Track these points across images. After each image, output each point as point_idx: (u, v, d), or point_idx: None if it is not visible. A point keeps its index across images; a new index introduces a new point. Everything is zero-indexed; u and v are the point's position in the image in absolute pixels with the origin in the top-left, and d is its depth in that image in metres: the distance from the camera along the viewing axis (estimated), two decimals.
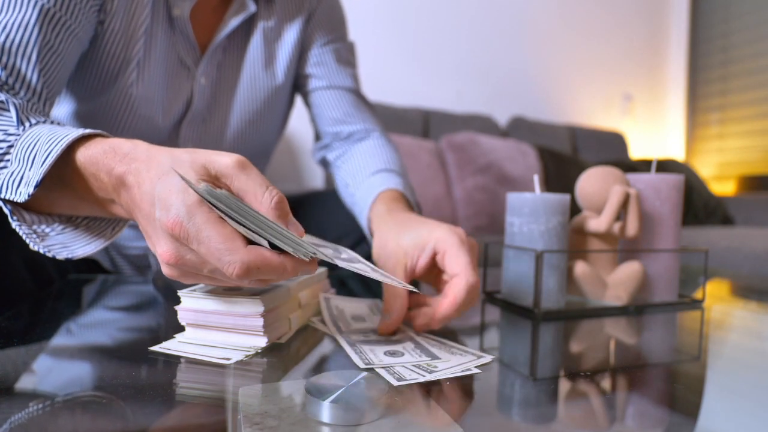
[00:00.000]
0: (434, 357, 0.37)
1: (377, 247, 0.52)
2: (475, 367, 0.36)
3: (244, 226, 0.33)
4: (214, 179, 0.36)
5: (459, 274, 0.44)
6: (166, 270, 0.36)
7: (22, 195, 0.42)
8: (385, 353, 0.38)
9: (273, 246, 0.34)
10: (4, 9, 0.53)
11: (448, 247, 0.45)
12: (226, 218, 0.33)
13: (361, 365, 0.36)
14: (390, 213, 0.59)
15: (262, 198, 0.35)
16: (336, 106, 0.81)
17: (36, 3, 0.54)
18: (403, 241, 0.48)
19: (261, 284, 0.36)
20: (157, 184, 0.35)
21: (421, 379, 0.33)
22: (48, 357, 0.39)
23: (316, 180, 2.15)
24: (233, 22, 0.71)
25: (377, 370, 0.35)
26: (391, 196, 0.66)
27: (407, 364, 0.36)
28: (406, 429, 0.27)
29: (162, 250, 0.34)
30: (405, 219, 0.53)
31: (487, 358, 0.38)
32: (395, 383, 0.32)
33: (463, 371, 0.35)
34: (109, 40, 0.63)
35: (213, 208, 0.33)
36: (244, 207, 0.34)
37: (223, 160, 0.36)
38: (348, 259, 0.38)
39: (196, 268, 0.35)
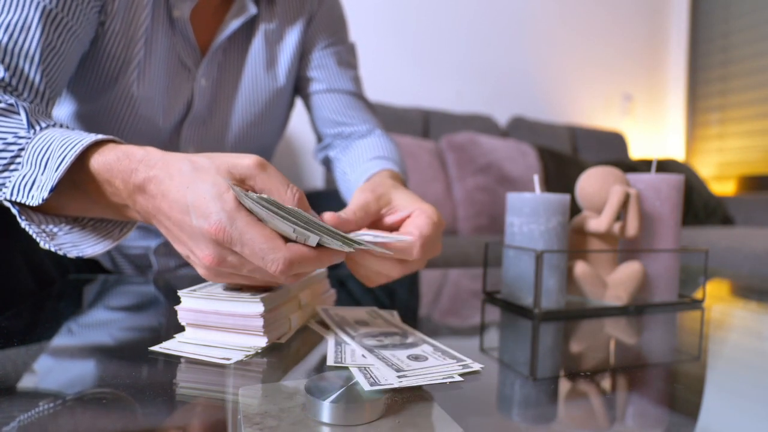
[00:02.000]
0: (417, 359, 0.36)
1: (365, 184, 0.51)
2: (459, 375, 0.34)
3: (298, 225, 0.35)
4: (240, 182, 0.37)
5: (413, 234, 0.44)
6: (203, 272, 0.38)
7: (35, 198, 0.43)
8: (363, 355, 0.37)
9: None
10: (6, 9, 0.53)
11: (423, 219, 0.45)
12: (265, 220, 0.35)
13: (330, 362, 0.35)
14: (389, 178, 0.60)
15: (285, 195, 0.37)
16: (337, 109, 0.81)
17: (38, 4, 0.54)
18: (393, 194, 0.49)
19: (296, 279, 0.38)
20: (187, 192, 0.36)
21: (396, 385, 0.31)
22: (48, 357, 0.39)
23: (316, 180, 2.15)
24: (234, 23, 0.71)
25: (352, 369, 0.34)
26: (390, 174, 0.66)
27: (381, 366, 0.34)
28: (406, 429, 0.27)
29: (204, 254, 0.36)
30: (403, 187, 0.53)
31: (475, 366, 0.36)
32: (367, 387, 0.30)
33: (444, 379, 0.33)
34: (110, 41, 0.63)
35: (249, 211, 0.35)
36: (291, 209, 0.36)
37: (244, 162, 0.37)
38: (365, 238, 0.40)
39: (236, 269, 0.37)
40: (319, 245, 0.36)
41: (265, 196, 0.35)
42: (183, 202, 0.36)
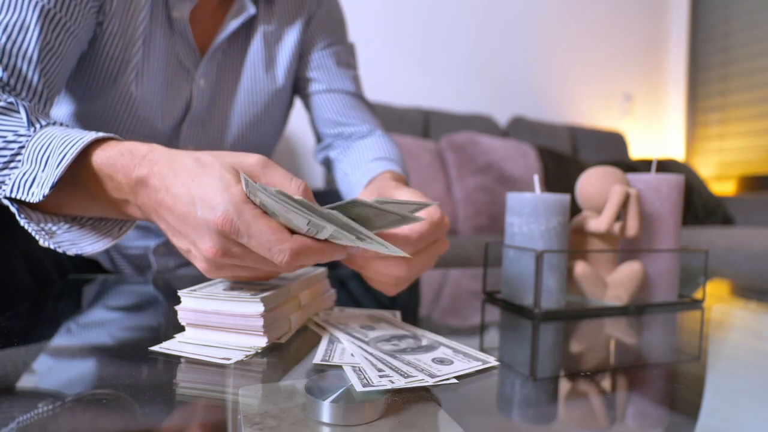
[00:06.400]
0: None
1: (368, 189, 0.53)
2: (455, 378, 0.33)
3: (312, 217, 0.35)
4: None
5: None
6: (202, 266, 0.39)
7: (35, 195, 0.43)
8: (352, 354, 0.37)
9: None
10: (4, 10, 0.53)
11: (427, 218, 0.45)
12: (277, 213, 0.36)
13: (317, 360, 0.36)
14: (391, 179, 0.60)
15: (289, 188, 0.38)
16: (336, 109, 0.81)
17: (36, 4, 0.54)
18: (395, 195, 0.50)
19: (298, 268, 0.39)
20: (193, 185, 0.37)
21: (389, 386, 0.30)
22: (48, 357, 0.39)
23: (316, 180, 2.15)
24: (233, 24, 0.71)
25: (345, 368, 0.34)
26: (391, 176, 0.66)
27: (367, 367, 0.34)
28: (406, 429, 0.27)
29: (207, 246, 0.37)
30: (404, 186, 0.53)
31: (472, 370, 0.35)
32: (359, 388, 0.30)
33: (436, 383, 0.32)
34: (108, 42, 0.63)
35: (256, 205, 0.36)
36: (305, 201, 0.36)
37: (248, 161, 0.39)
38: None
39: (240, 260, 0.37)
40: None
41: (279, 189, 0.36)
42: (188, 195, 0.37)
